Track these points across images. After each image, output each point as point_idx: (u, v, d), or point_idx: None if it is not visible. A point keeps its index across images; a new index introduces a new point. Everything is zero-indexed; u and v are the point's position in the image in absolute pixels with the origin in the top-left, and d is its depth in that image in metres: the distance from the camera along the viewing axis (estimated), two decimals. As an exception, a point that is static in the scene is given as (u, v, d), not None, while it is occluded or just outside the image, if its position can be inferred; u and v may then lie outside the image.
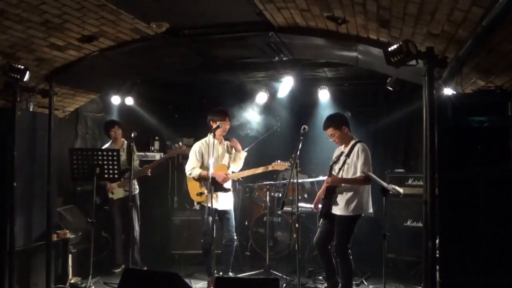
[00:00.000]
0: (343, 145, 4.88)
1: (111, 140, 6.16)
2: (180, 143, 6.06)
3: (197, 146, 5.27)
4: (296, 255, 4.71)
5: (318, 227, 4.99)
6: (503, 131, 3.29)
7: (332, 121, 4.83)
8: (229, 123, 5.30)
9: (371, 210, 4.83)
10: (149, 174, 6.00)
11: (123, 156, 5.84)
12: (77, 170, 5.04)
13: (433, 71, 3.26)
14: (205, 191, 4.97)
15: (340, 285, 4.78)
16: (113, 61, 5.09)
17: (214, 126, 5.04)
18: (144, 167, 6.00)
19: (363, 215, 4.76)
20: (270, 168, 5.34)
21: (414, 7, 3.09)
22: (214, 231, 4.80)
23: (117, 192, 5.99)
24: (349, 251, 4.68)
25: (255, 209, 6.96)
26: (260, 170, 5.34)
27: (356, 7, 3.49)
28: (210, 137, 5.06)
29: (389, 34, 3.83)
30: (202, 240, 5.18)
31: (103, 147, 6.00)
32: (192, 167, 5.17)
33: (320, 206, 4.89)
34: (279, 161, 5.30)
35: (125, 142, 6.03)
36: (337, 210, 4.71)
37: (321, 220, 4.91)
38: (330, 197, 4.76)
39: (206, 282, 5.42)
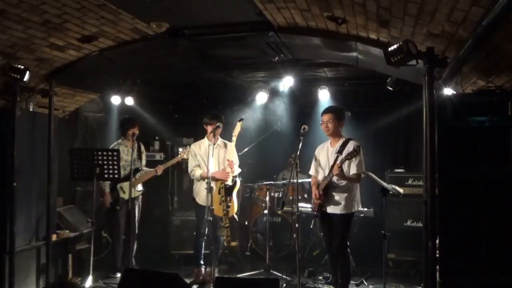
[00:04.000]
0: (329, 141, 4.93)
1: (122, 138, 5.95)
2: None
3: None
4: (296, 255, 4.71)
5: (318, 230, 5.01)
6: (503, 131, 3.28)
7: (337, 111, 4.89)
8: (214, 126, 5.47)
9: (360, 206, 4.96)
10: (160, 173, 5.98)
11: (134, 155, 5.83)
12: (77, 170, 5.03)
13: (433, 71, 3.26)
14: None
15: (339, 283, 4.80)
16: (113, 61, 5.08)
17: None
18: (157, 167, 5.93)
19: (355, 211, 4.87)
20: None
21: (414, 7, 3.08)
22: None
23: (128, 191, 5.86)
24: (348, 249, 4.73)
25: (255, 209, 6.95)
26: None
27: (356, 7, 3.49)
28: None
29: (389, 34, 3.83)
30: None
31: (113, 145, 5.91)
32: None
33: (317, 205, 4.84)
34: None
35: (135, 141, 6.01)
36: (337, 209, 4.70)
37: (321, 224, 4.95)
38: (324, 198, 4.77)
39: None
